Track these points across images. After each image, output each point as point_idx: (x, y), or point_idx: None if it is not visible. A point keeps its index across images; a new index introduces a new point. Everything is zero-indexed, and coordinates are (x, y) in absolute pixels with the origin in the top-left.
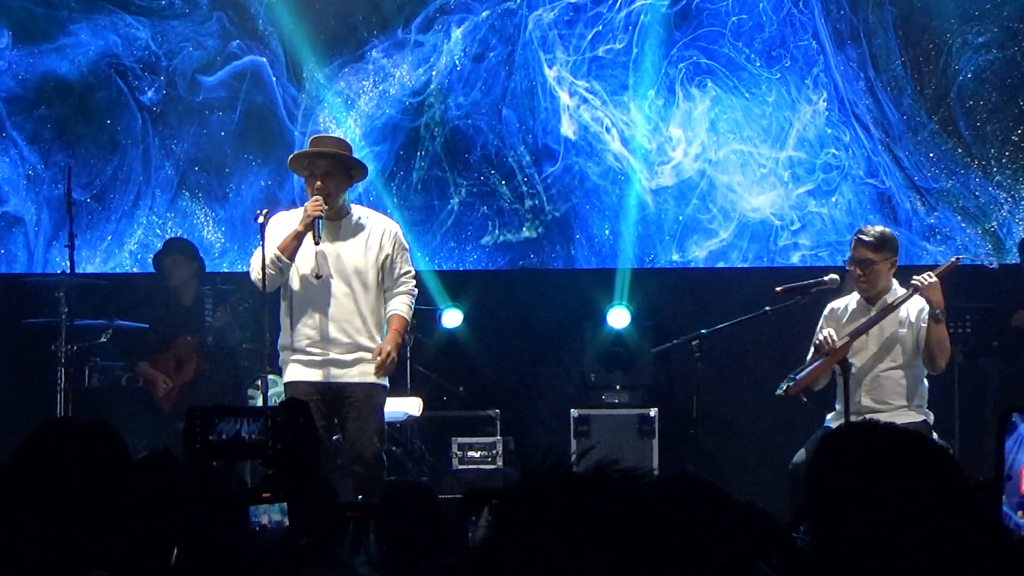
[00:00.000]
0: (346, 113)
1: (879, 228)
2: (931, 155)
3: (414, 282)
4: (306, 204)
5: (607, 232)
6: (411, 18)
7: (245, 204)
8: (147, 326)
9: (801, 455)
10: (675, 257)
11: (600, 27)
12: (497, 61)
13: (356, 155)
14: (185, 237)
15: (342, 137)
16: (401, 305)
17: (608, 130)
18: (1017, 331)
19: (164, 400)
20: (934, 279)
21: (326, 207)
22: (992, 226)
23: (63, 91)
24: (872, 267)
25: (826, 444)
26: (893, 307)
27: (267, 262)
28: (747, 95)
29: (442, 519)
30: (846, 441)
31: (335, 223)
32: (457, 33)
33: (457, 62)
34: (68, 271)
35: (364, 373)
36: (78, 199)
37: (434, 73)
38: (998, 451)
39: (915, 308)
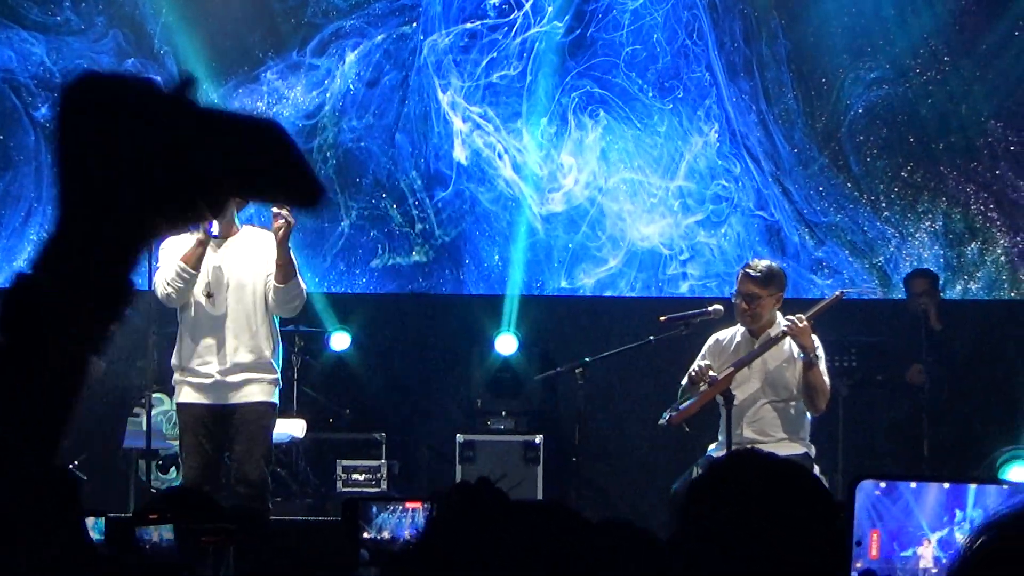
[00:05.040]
0: None
1: (766, 263)
2: (821, 189)
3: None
4: None
5: (496, 258)
6: (306, 40)
7: None
8: None
9: (681, 482)
10: (563, 284)
11: (495, 54)
12: (391, 86)
13: None
14: None
15: None
16: None
17: (500, 156)
18: (910, 386)
19: None
20: (804, 324)
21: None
22: (879, 261)
23: None
24: (758, 302)
25: (708, 471)
26: (775, 341)
27: (171, 277)
28: (639, 125)
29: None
30: (726, 468)
31: (224, 241)
32: (352, 57)
33: (351, 86)
34: None
35: (252, 393)
36: None
37: (328, 96)
38: (847, 517)
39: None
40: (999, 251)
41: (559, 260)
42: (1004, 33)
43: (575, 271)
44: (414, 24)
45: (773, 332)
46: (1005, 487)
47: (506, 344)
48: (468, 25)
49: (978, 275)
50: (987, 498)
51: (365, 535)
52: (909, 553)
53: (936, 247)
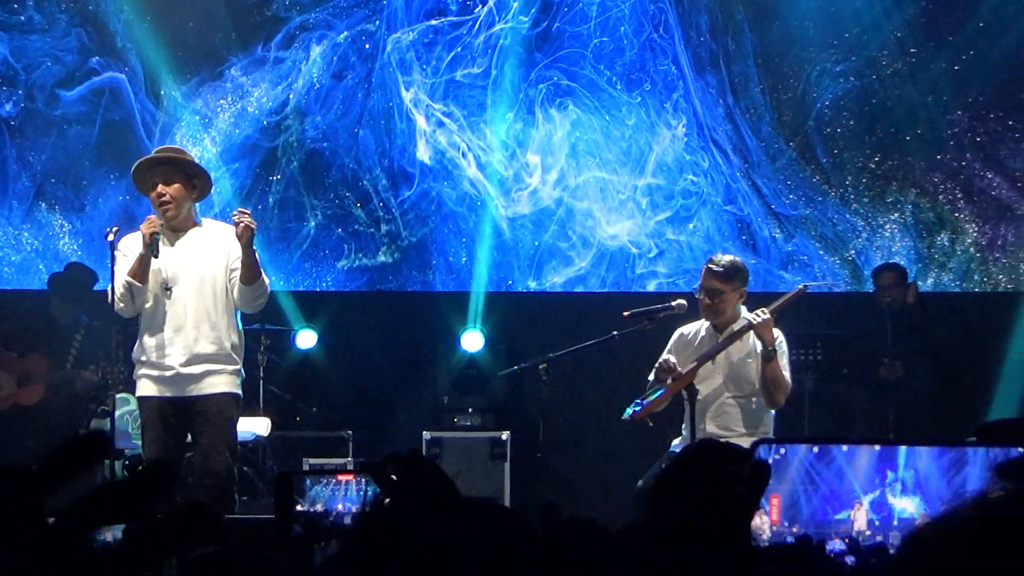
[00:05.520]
0: (203, 131)
1: (729, 258)
2: (789, 182)
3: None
4: (141, 225)
5: (464, 259)
6: (271, 35)
7: (102, 217)
8: None
9: (646, 479)
10: (532, 284)
11: (459, 49)
12: (355, 82)
13: (211, 174)
14: (82, 264)
15: (183, 148)
16: None
17: (464, 155)
18: (883, 382)
19: None
20: (766, 316)
21: (161, 223)
22: (850, 254)
23: None
24: (720, 296)
25: (675, 461)
26: (738, 335)
27: (120, 292)
28: (607, 117)
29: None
30: (692, 458)
31: (183, 234)
32: (316, 52)
33: (316, 81)
34: None
35: (214, 384)
36: None
37: (291, 95)
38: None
39: None
40: (969, 241)
41: (527, 260)
42: (970, 25)
43: (544, 270)
44: (377, 22)
45: (737, 326)
46: (935, 448)
47: (472, 341)
48: (433, 22)
49: (950, 266)
50: (918, 460)
51: (299, 508)
52: (843, 516)
53: (907, 239)
